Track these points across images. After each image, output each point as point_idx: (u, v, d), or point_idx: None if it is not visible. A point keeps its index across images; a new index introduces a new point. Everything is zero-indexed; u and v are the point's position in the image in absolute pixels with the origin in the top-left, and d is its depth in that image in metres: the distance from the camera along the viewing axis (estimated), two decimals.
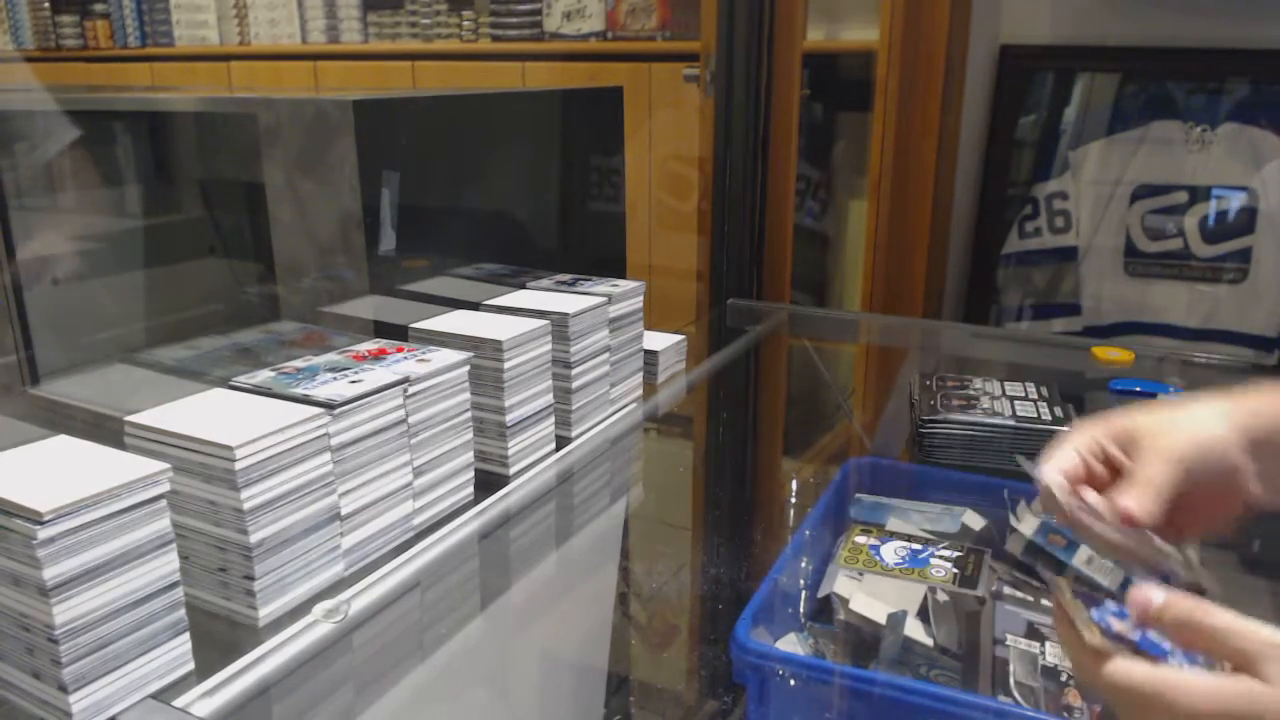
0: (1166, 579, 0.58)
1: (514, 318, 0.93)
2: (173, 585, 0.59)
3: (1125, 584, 0.87)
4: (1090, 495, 0.58)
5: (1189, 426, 0.59)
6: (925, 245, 1.73)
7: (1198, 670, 0.46)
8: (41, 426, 0.68)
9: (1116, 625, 0.50)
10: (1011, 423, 1.03)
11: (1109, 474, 0.60)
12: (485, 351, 0.87)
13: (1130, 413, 0.61)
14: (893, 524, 0.93)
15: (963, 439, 1.04)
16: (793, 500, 1.22)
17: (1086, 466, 0.60)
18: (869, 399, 1.51)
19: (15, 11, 3.66)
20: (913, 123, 1.68)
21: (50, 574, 0.52)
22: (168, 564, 0.59)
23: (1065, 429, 1.03)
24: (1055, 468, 0.60)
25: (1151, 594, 0.48)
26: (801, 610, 0.86)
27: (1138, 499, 0.56)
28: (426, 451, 0.80)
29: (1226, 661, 0.46)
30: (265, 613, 0.67)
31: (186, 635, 0.61)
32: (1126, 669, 0.47)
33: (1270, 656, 0.44)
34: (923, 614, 0.82)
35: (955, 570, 0.83)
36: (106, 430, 0.67)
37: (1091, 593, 0.58)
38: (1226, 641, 0.46)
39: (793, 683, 0.70)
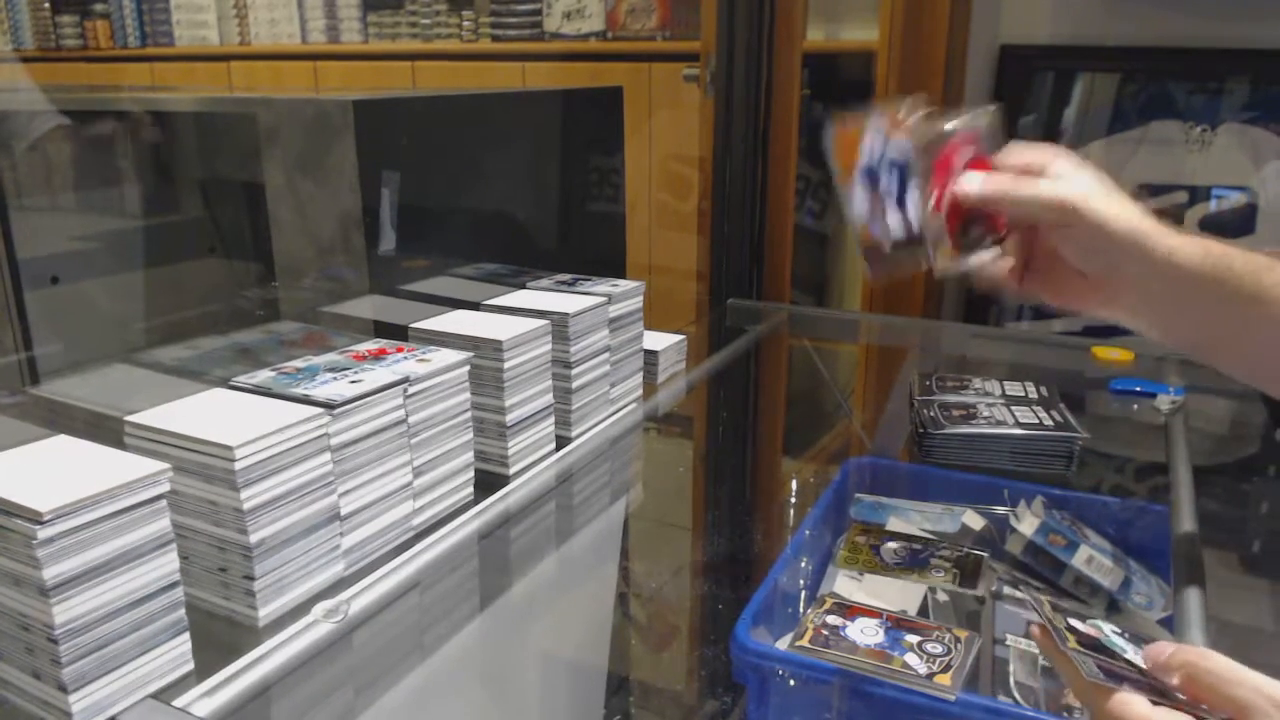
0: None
1: (514, 318, 0.93)
2: (173, 585, 0.59)
3: (1126, 584, 0.87)
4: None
5: (1102, 194, 0.62)
6: None
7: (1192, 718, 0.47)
8: (41, 426, 0.68)
9: (1107, 665, 0.51)
10: (1016, 432, 1.03)
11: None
12: (485, 351, 0.87)
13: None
14: (893, 524, 0.93)
15: (964, 447, 1.04)
16: (793, 500, 1.22)
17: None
18: (869, 399, 1.51)
19: (15, 11, 3.66)
20: None
21: (50, 574, 0.52)
22: (168, 564, 0.59)
23: (1068, 434, 1.03)
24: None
25: (1163, 646, 0.51)
26: (801, 610, 0.86)
27: (1005, 187, 0.62)
28: (426, 451, 0.80)
29: (1221, 709, 0.46)
30: (265, 613, 0.66)
31: (186, 635, 0.61)
32: (1125, 706, 0.48)
33: (1259, 708, 0.45)
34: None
35: (955, 570, 0.83)
36: (106, 430, 0.67)
37: (1082, 609, 0.60)
38: (1221, 689, 0.47)
39: (793, 683, 0.70)
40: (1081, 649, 0.52)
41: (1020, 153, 0.66)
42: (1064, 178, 0.63)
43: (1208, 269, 0.62)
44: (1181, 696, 0.49)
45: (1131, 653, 0.54)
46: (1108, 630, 0.56)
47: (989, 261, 0.66)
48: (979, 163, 0.65)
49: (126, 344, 0.99)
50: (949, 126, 0.64)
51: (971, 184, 0.63)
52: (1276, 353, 0.63)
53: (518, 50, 2.71)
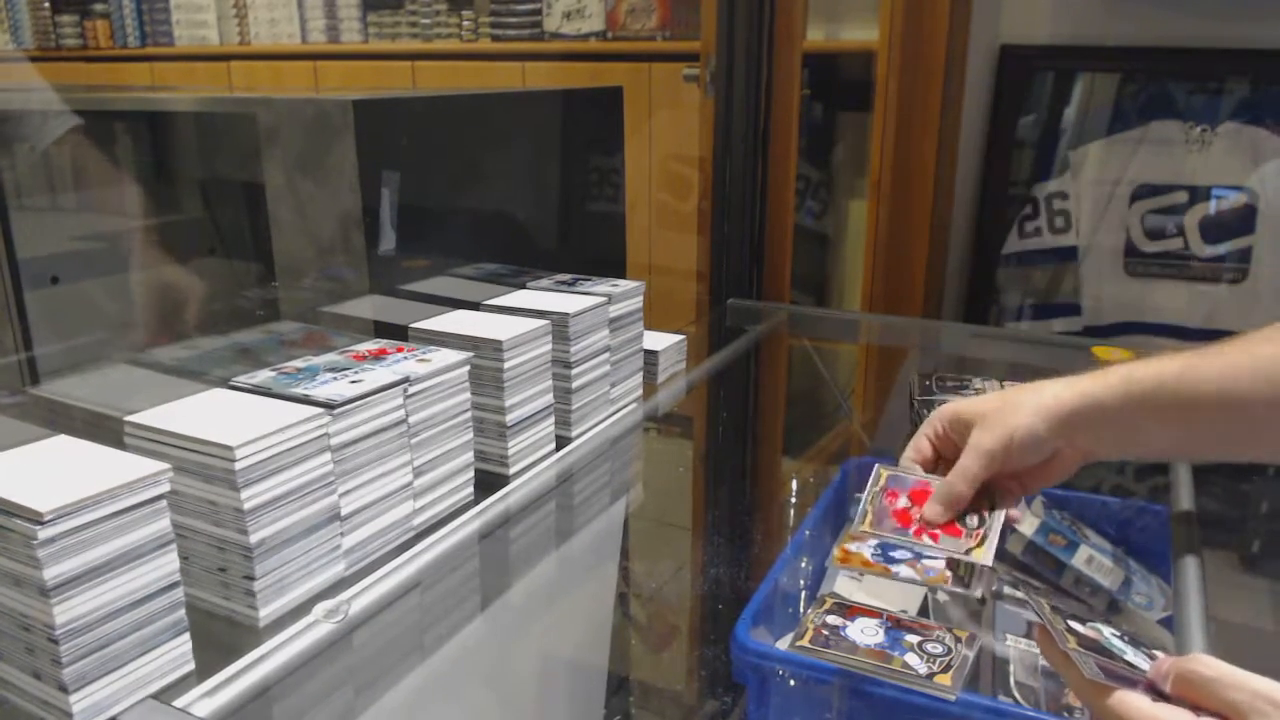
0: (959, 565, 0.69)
1: (514, 318, 0.93)
2: (173, 585, 0.59)
3: (1126, 584, 0.87)
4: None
5: (1001, 418, 0.69)
6: (925, 245, 1.73)
7: (1192, 715, 0.48)
8: (41, 426, 0.68)
9: (1107, 665, 0.51)
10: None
11: (952, 452, 0.72)
12: (485, 351, 0.87)
13: (968, 399, 0.73)
14: None
15: None
16: (793, 500, 1.22)
17: (935, 449, 0.74)
18: (869, 399, 1.51)
19: (15, 11, 3.66)
20: (913, 123, 1.68)
21: (50, 574, 0.52)
22: (168, 564, 0.59)
23: None
24: (909, 457, 0.74)
25: (1163, 659, 0.52)
26: (801, 610, 0.86)
27: (945, 502, 0.69)
28: (426, 451, 0.80)
29: (1220, 713, 0.47)
30: (265, 613, 0.67)
31: (186, 635, 0.61)
32: (1126, 703, 0.48)
33: (1258, 710, 0.45)
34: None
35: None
36: (106, 430, 0.67)
37: (1082, 609, 0.60)
38: (1219, 692, 0.47)
39: (793, 683, 0.70)
40: (1081, 650, 0.52)
41: (924, 446, 0.74)
42: (972, 446, 0.70)
43: (1135, 395, 0.67)
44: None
45: (1131, 654, 0.54)
46: (1107, 633, 0.56)
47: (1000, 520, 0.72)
48: (919, 493, 0.73)
49: (126, 344, 0.99)
50: (871, 497, 0.74)
51: (934, 511, 0.70)
52: (1234, 435, 0.67)
53: (518, 50, 2.71)
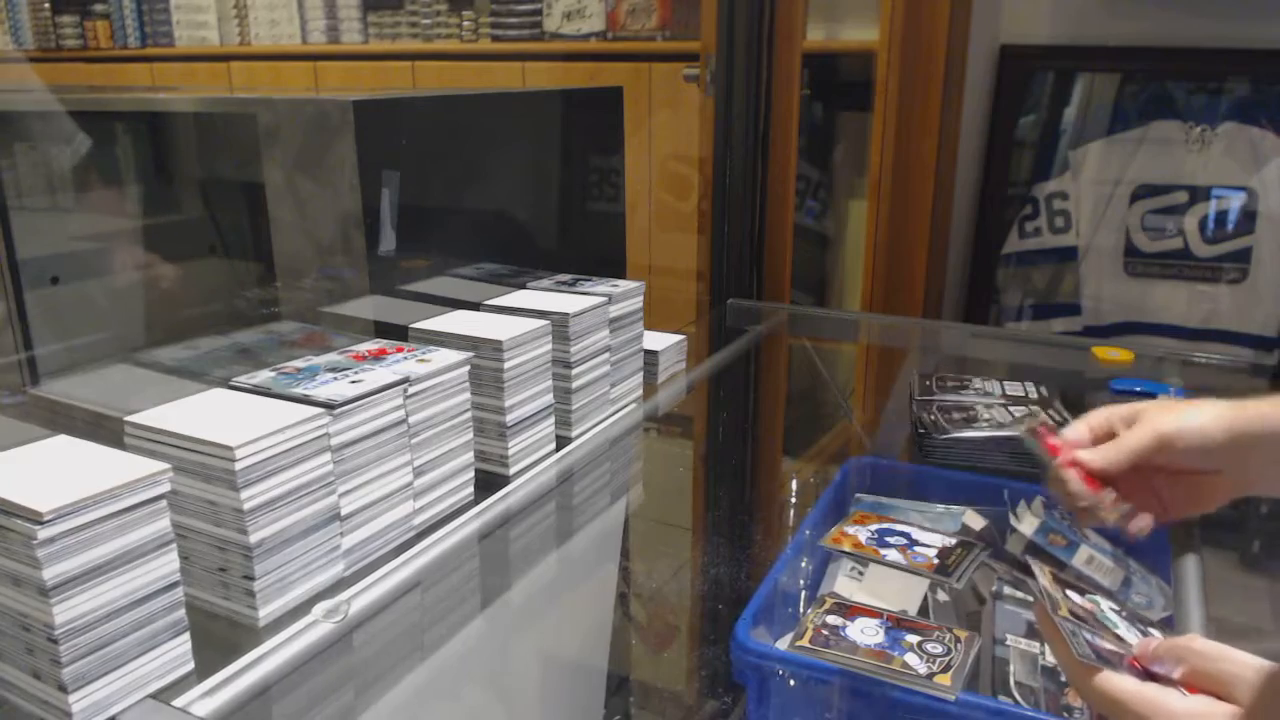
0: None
1: (514, 318, 0.93)
2: (173, 585, 0.59)
3: (1126, 583, 0.87)
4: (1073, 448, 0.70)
5: (1181, 411, 0.67)
6: (925, 245, 1.73)
7: (1180, 692, 0.48)
8: (42, 426, 0.68)
9: (1104, 645, 0.51)
10: (1015, 433, 1.03)
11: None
12: (485, 351, 0.87)
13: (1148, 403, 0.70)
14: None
15: (965, 449, 1.04)
16: (793, 500, 1.22)
17: (1092, 436, 0.70)
18: (869, 399, 1.51)
19: (15, 11, 3.66)
20: (913, 123, 1.68)
21: (50, 574, 0.52)
22: (168, 564, 0.59)
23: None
24: (1067, 432, 0.71)
25: (1149, 640, 0.52)
26: (801, 610, 0.86)
27: (1100, 453, 0.67)
28: (426, 451, 0.80)
29: (1208, 687, 0.48)
30: (265, 613, 0.67)
31: (186, 635, 0.61)
32: (1114, 682, 0.49)
33: (1243, 678, 0.47)
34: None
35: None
36: (106, 430, 0.67)
37: (1081, 586, 0.60)
38: (1205, 667, 0.48)
39: (793, 683, 0.70)
40: (1075, 618, 0.53)
41: (1089, 426, 0.72)
42: (1144, 422, 0.68)
43: None
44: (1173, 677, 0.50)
45: (1123, 629, 0.54)
46: (1105, 606, 0.56)
47: (1128, 518, 0.69)
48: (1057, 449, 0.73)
49: (127, 344, 0.99)
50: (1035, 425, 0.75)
51: (1086, 454, 0.69)
52: None
53: (518, 50, 2.71)
